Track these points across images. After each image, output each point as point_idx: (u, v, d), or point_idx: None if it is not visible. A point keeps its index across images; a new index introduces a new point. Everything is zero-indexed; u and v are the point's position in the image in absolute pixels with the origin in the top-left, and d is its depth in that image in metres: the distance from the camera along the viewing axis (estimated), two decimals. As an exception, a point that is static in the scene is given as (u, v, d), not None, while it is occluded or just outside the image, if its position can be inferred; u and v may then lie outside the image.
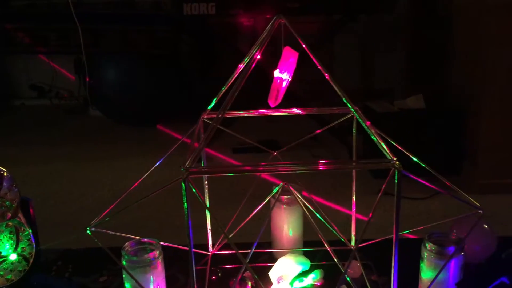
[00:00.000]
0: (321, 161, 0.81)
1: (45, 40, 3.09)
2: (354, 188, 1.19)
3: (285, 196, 1.19)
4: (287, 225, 1.21)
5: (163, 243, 1.05)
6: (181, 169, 0.80)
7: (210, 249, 1.23)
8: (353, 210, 1.20)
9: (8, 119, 3.32)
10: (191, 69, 3.04)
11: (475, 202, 0.92)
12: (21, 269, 1.12)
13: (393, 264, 0.82)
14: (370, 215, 0.83)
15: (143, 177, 1.00)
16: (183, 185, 0.80)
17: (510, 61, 1.95)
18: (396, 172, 0.80)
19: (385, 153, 0.83)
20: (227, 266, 1.19)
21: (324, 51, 3.15)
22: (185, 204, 0.82)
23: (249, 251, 0.93)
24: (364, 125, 0.94)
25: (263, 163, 0.81)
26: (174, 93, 2.95)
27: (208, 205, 1.20)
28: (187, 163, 0.82)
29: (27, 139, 2.90)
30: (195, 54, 3.12)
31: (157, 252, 1.02)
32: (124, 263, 1.00)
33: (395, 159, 0.81)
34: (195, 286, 0.87)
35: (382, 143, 0.87)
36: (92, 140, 2.86)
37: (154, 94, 2.92)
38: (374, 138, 0.88)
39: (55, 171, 2.43)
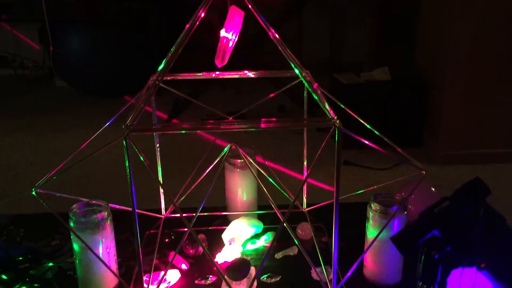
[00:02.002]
0: (263, 119, 0.82)
1: (8, 7, 3.00)
2: (305, 151, 1.20)
3: (239, 160, 1.19)
4: (241, 188, 1.23)
5: (112, 205, 1.05)
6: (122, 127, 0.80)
7: (163, 212, 1.23)
8: (305, 173, 1.21)
9: (-30, 89, 3.24)
10: (158, 39, 3.00)
11: (418, 163, 0.94)
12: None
13: (334, 220, 0.84)
14: (309, 171, 0.84)
15: (91, 138, 0.99)
16: (124, 143, 0.80)
17: (473, 35, 1.98)
18: (336, 131, 0.81)
19: (326, 111, 0.84)
20: (181, 230, 1.20)
21: (293, 24, 3.14)
22: (127, 162, 0.82)
23: (199, 214, 0.93)
24: (309, 88, 0.95)
25: (207, 121, 0.81)
26: (141, 64, 2.91)
27: (160, 171, 1.20)
28: (128, 121, 0.82)
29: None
30: (163, 24, 3.07)
31: (105, 213, 1.02)
32: (71, 224, 0.99)
33: (335, 117, 0.82)
34: (139, 246, 0.88)
35: (326, 104, 0.87)
36: (57, 111, 2.81)
37: (121, 65, 2.88)
38: (316, 97, 0.89)
39: (18, 142, 2.39)
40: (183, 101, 2.57)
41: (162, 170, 1.21)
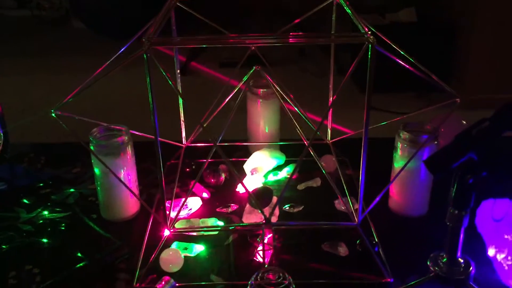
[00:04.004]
0: (292, 34, 0.77)
1: None
2: (332, 70, 1.14)
3: (262, 90, 1.16)
4: (263, 119, 1.19)
5: (132, 131, 1.03)
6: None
7: (184, 141, 1.21)
8: (330, 99, 1.16)
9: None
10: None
11: (452, 90, 0.89)
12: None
13: (363, 143, 0.80)
14: (334, 97, 0.80)
15: (113, 58, 0.95)
16: (145, 57, 0.76)
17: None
18: (370, 47, 0.75)
19: (359, 26, 0.79)
20: (201, 160, 1.18)
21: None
22: (148, 78, 0.78)
23: (220, 144, 0.91)
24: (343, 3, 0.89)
25: (230, 35, 0.77)
26: (159, 4, 2.84)
27: (181, 100, 1.17)
28: (149, 34, 0.78)
29: (6, 50, 2.81)
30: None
31: (126, 138, 0.99)
32: (92, 148, 0.97)
33: (369, 33, 0.77)
34: (161, 169, 0.85)
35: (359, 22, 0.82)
36: (73, 52, 2.78)
37: (138, 6, 2.81)
38: (349, 11, 0.83)
39: (35, 81, 2.38)
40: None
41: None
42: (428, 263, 0.80)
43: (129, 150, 1.01)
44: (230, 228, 0.98)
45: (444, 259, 0.79)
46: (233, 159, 1.20)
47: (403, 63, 0.83)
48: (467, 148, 0.72)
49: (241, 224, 0.99)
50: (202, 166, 0.98)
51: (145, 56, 0.76)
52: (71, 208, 1.06)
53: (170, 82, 0.82)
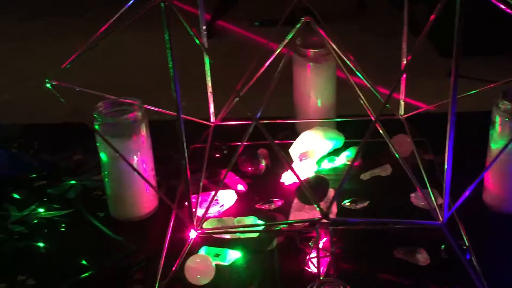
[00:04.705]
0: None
1: None
2: (405, 24, 1.11)
3: (312, 50, 1.15)
4: (314, 90, 1.19)
5: (147, 107, 1.03)
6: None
7: (212, 118, 1.21)
8: (403, 63, 1.13)
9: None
10: None
11: None
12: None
13: (449, 116, 0.77)
14: (409, 57, 0.77)
15: (121, 10, 0.94)
16: (162, 5, 0.75)
17: None
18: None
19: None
20: (235, 144, 1.17)
21: None
22: (166, 34, 0.77)
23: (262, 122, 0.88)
24: None
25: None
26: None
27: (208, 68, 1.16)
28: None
29: None
30: None
31: (139, 114, 0.99)
32: (96, 127, 0.97)
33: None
34: (186, 160, 0.84)
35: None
36: (72, 15, 2.82)
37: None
38: None
39: (25, 49, 2.42)
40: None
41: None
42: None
43: (144, 130, 1.01)
44: (275, 228, 0.98)
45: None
46: (276, 141, 1.19)
47: (506, 8, 0.79)
48: None
49: (288, 221, 0.98)
50: (236, 151, 0.97)
51: (162, 5, 0.75)
52: (72, 205, 1.08)
53: (196, 38, 0.80)
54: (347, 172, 0.87)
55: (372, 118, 0.95)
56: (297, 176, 0.84)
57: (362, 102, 0.89)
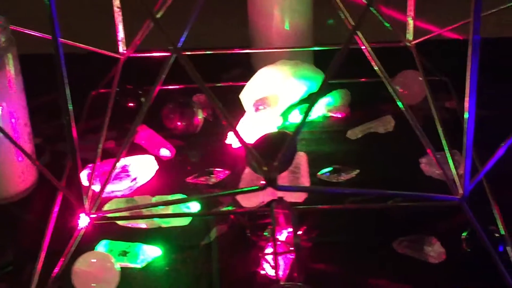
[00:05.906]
0: None
1: None
2: None
3: None
4: (278, 5, 1.22)
5: (15, 28, 1.05)
6: None
7: (121, 48, 1.23)
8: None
9: None
10: None
11: None
12: None
13: (469, 58, 0.77)
14: None
15: None
16: None
17: None
18: None
19: None
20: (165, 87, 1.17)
21: None
22: None
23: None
24: None
25: None
26: None
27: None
28: None
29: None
30: None
31: (2, 39, 0.99)
32: None
33: None
34: (68, 111, 0.83)
35: None
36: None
37: None
38: None
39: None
40: None
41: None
42: None
43: (10, 65, 1.01)
44: (214, 212, 0.99)
45: None
46: (222, 82, 1.21)
47: None
48: None
49: (227, 192, 1.01)
50: (151, 93, 0.97)
51: None
52: None
53: None
54: (308, 110, 0.82)
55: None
56: (239, 137, 0.83)
57: (341, 14, 0.89)
